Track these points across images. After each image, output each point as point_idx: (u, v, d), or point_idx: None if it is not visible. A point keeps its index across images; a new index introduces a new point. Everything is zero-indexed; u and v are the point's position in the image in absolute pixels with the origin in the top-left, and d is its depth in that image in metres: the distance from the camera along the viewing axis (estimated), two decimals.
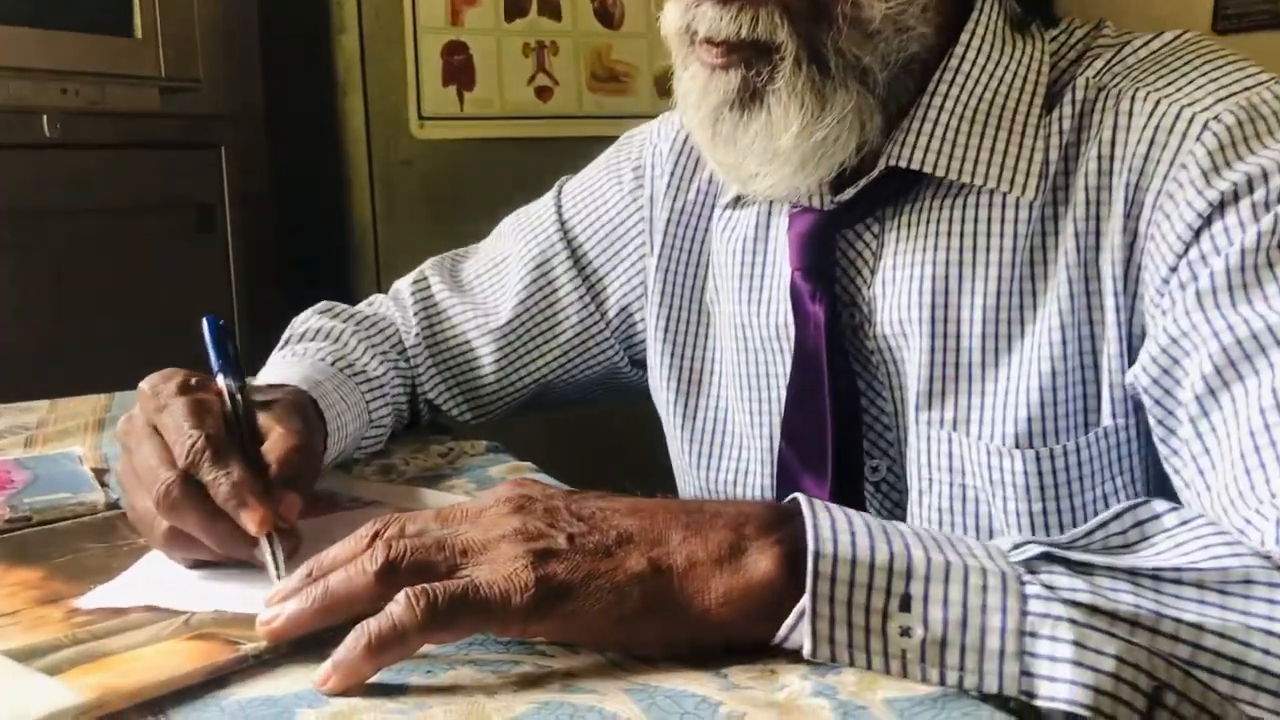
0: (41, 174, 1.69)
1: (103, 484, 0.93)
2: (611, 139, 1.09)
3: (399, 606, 0.57)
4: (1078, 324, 0.78)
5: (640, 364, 1.07)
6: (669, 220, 0.99)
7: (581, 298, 1.05)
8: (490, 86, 2.21)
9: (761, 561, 0.58)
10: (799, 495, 0.61)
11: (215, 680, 0.59)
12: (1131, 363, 0.76)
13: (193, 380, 0.78)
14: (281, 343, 1.02)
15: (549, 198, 1.09)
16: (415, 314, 1.08)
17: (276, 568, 0.70)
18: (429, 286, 1.10)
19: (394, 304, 1.10)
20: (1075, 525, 0.73)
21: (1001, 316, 0.80)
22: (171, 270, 1.78)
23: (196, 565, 0.74)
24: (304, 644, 0.61)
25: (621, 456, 1.16)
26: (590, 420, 1.77)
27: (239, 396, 0.78)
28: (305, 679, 0.59)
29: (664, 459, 1.04)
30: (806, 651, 0.55)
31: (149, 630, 0.64)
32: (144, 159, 1.78)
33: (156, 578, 0.73)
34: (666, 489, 1.04)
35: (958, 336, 0.82)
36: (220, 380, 0.79)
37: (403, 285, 1.11)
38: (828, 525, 0.57)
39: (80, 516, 0.85)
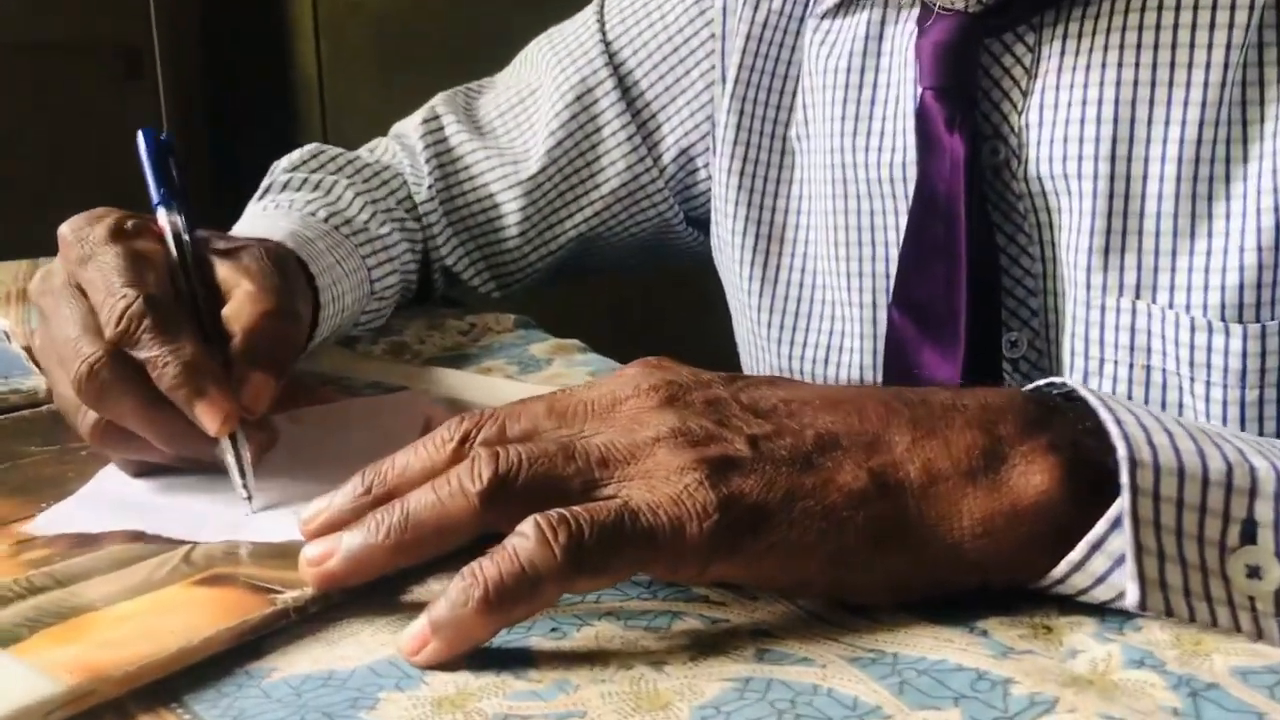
0: None
1: (36, 365, 0.74)
2: None
3: (528, 542, 0.39)
4: None
5: (697, 221, 0.89)
6: (747, 36, 0.79)
7: (630, 138, 0.85)
8: None
9: (1032, 474, 0.41)
10: (1065, 381, 0.44)
11: (245, 647, 0.41)
12: None
13: (129, 223, 0.58)
14: (259, 193, 0.82)
15: (589, 13, 0.88)
16: (428, 162, 0.88)
17: (242, 478, 0.52)
18: (442, 129, 0.89)
19: (401, 150, 0.90)
20: None
21: (1204, 155, 0.63)
22: (98, 121, 1.55)
23: (144, 471, 0.56)
24: (368, 590, 0.44)
25: (669, 336, 0.98)
26: (628, 291, 1.59)
27: (188, 239, 0.58)
28: (379, 643, 0.41)
29: (721, 339, 0.87)
30: (1132, 601, 0.39)
31: (137, 571, 0.46)
32: None
33: (133, 491, 0.54)
34: None
35: (1144, 179, 0.64)
36: (163, 217, 0.58)
37: (409, 127, 0.91)
38: (1133, 421, 0.40)
39: (16, 409, 0.66)
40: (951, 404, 0.44)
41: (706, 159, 0.85)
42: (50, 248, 0.59)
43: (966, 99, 0.67)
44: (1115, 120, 0.64)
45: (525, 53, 0.92)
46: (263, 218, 0.75)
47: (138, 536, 0.49)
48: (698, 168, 0.85)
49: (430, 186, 0.87)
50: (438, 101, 0.91)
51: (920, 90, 0.69)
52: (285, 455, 0.57)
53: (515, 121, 0.88)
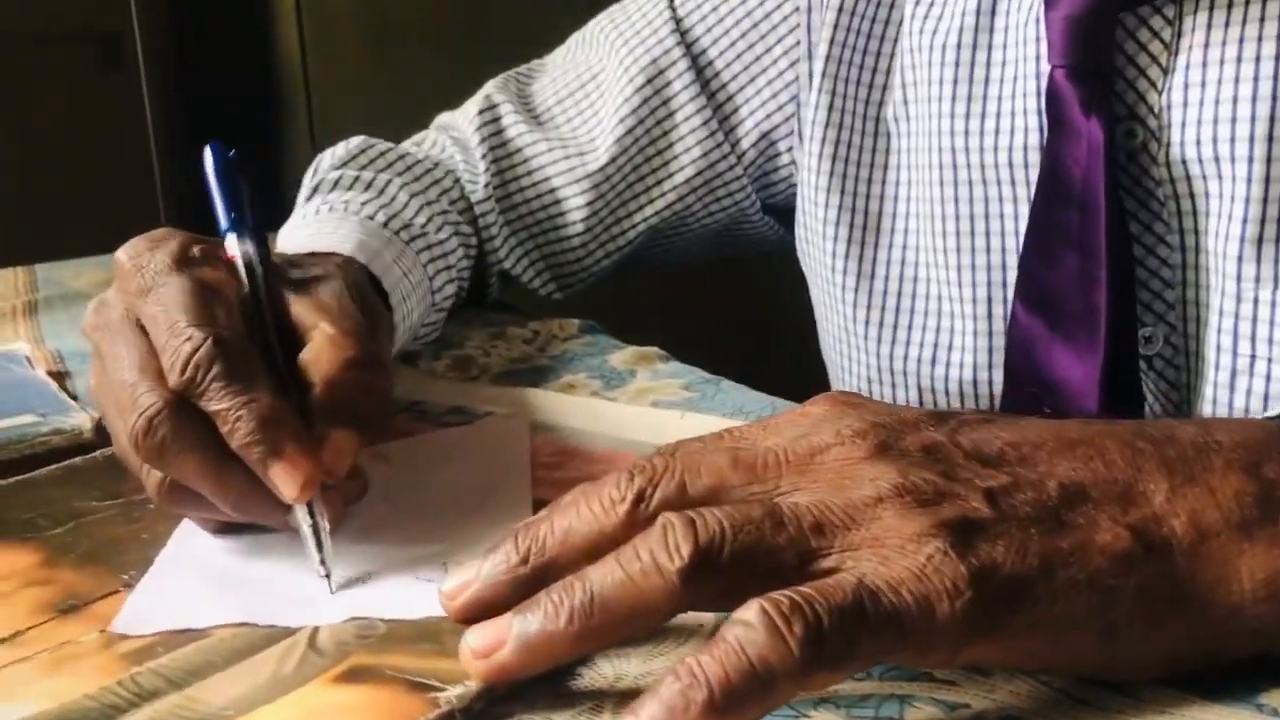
0: None
1: (70, 395, 0.67)
2: None
3: (756, 634, 0.33)
4: None
5: (774, 209, 0.82)
6: (839, 9, 0.73)
7: (706, 123, 0.79)
8: None
9: None
10: None
11: None
12: None
13: (195, 249, 0.51)
14: (307, 192, 0.75)
15: None
16: (484, 157, 0.81)
17: (320, 551, 0.45)
18: (499, 119, 0.82)
19: (453, 144, 0.82)
20: None
21: None
22: (76, 113, 1.46)
23: (223, 530, 0.49)
24: (539, 685, 0.38)
25: (742, 337, 0.92)
26: (697, 287, 1.52)
27: (261, 271, 0.51)
28: None
29: (800, 336, 0.81)
30: None
31: (260, 666, 0.40)
32: None
33: (222, 558, 0.48)
34: (815, 383, 0.81)
35: None
36: (233, 245, 0.52)
37: (461, 119, 0.83)
38: None
39: (60, 453, 0.59)
40: (1203, 442, 0.38)
41: (790, 143, 0.78)
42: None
43: (1103, 78, 0.62)
44: (1273, 97, 0.58)
45: (584, 33, 0.85)
46: (319, 223, 0.68)
47: (243, 623, 0.43)
48: (779, 152, 0.79)
49: (486, 185, 0.80)
50: (492, 89, 0.83)
51: (1049, 69, 0.63)
52: (377, 499, 0.51)
53: (577, 109, 0.81)
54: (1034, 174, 0.66)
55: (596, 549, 0.39)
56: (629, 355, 0.71)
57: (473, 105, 0.83)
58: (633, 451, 0.55)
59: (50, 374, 0.71)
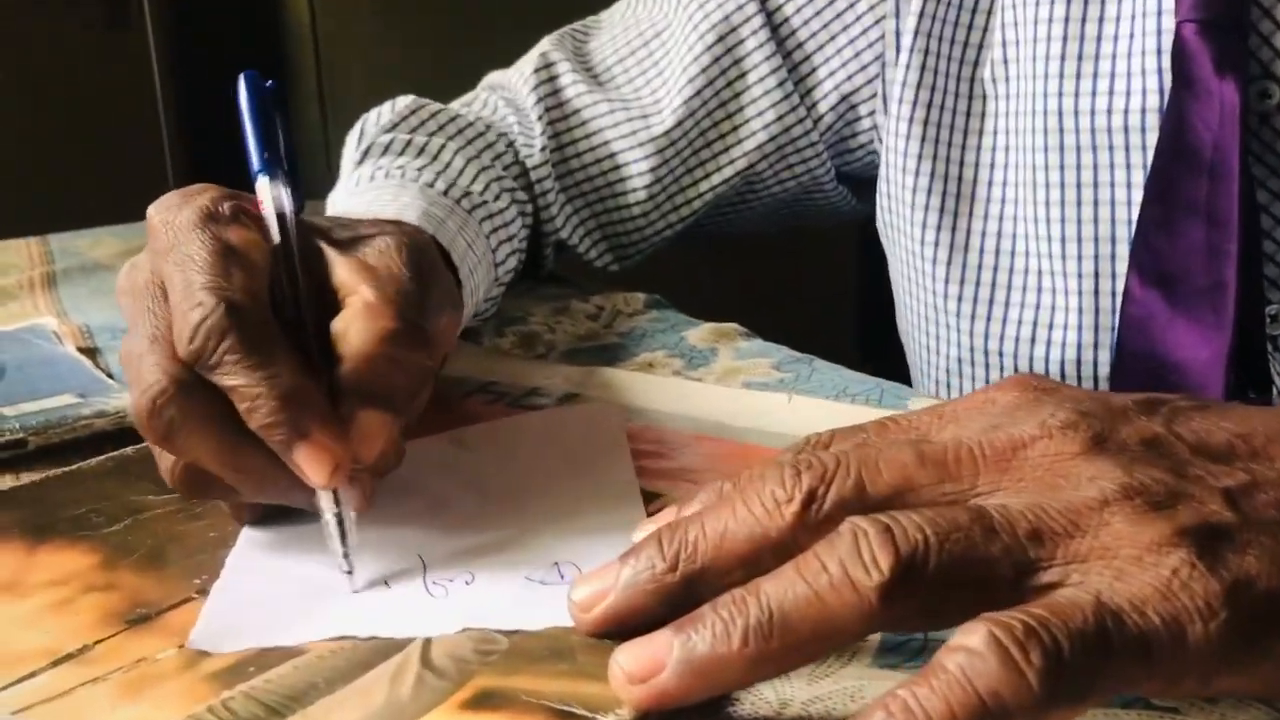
0: None
1: (105, 373, 0.62)
2: None
3: (985, 664, 0.28)
4: None
5: (849, 178, 0.77)
6: None
7: (782, 84, 0.73)
8: None
9: None
10: None
11: None
12: None
13: (224, 204, 0.45)
14: (356, 157, 0.69)
15: None
16: (540, 119, 0.75)
17: (344, 544, 0.40)
18: (556, 79, 0.76)
19: (506, 105, 0.77)
20: None
21: None
22: (79, 75, 1.40)
23: (258, 520, 0.44)
24: (692, 714, 0.33)
25: (811, 315, 0.87)
26: (760, 258, 1.46)
27: (292, 228, 0.45)
28: None
29: (876, 312, 0.76)
30: None
31: (371, 688, 0.34)
32: None
33: (300, 559, 0.43)
34: (893, 364, 0.77)
35: None
36: (264, 189, 0.45)
37: (515, 78, 0.77)
38: None
39: (105, 440, 0.54)
40: None
41: (872, 106, 0.73)
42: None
43: (1239, 34, 0.57)
44: None
45: None
46: (376, 190, 0.62)
47: (338, 637, 0.38)
48: (860, 116, 0.74)
49: (543, 149, 0.74)
50: (548, 46, 0.78)
51: (1174, 24, 0.58)
52: (455, 486, 0.46)
53: (640, 69, 0.76)
54: (1152, 138, 0.61)
55: (756, 557, 0.34)
56: (706, 332, 0.66)
57: (527, 64, 0.77)
58: (739, 440, 0.51)
59: (81, 351, 0.66)
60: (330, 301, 0.45)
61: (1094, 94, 0.63)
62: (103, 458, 0.51)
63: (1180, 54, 0.58)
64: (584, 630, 0.36)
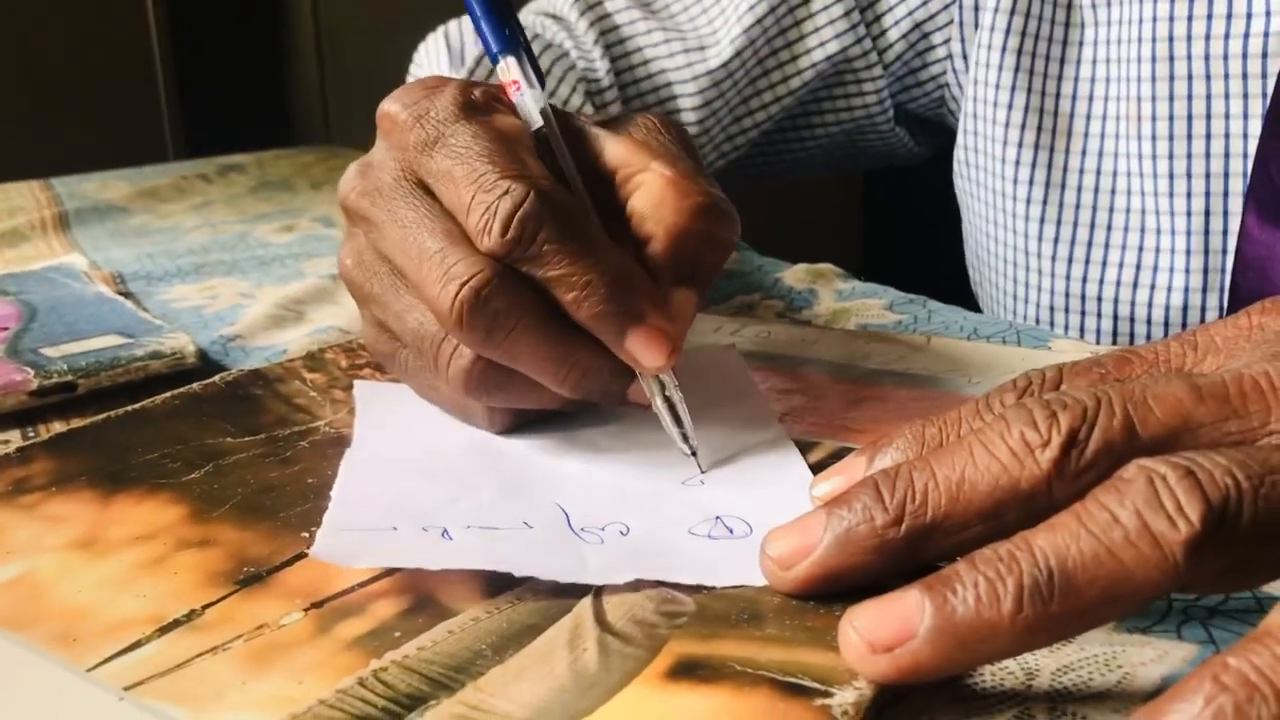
0: None
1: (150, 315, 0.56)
2: None
3: None
4: None
5: (910, 117, 0.72)
6: None
7: (848, 13, 0.68)
8: None
9: None
10: None
11: None
12: None
13: (475, 92, 0.41)
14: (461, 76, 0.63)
15: None
16: (596, 44, 0.70)
17: (680, 425, 0.39)
18: (602, 4, 0.71)
19: (559, 28, 0.71)
20: None
21: None
22: (77, 31, 1.33)
23: (510, 427, 0.41)
24: (930, 687, 0.28)
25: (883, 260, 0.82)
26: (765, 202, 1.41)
27: (549, 107, 0.41)
28: None
29: (941, 259, 0.71)
30: None
31: (547, 655, 0.29)
32: None
33: (425, 487, 0.38)
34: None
35: None
36: (513, 69, 0.42)
37: (562, 4, 0.72)
38: None
39: (164, 383, 0.48)
40: None
41: (947, 34, 0.68)
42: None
43: None
44: None
45: None
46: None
47: (494, 578, 0.32)
48: (933, 45, 0.68)
49: (608, 74, 0.69)
50: None
51: None
52: (577, 431, 0.41)
53: None
54: (1274, 65, 0.56)
55: (999, 510, 0.29)
56: (802, 273, 0.61)
57: None
58: (882, 384, 0.46)
59: (118, 292, 0.60)
60: (603, 184, 0.41)
61: (1209, 18, 0.58)
62: (168, 395, 0.45)
63: None
64: (783, 589, 0.31)
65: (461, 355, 0.39)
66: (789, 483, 0.37)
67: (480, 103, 0.41)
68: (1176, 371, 0.31)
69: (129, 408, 0.44)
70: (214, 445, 0.41)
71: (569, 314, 0.38)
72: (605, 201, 0.41)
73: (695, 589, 0.32)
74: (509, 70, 0.42)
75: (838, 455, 0.39)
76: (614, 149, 0.42)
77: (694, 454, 0.39)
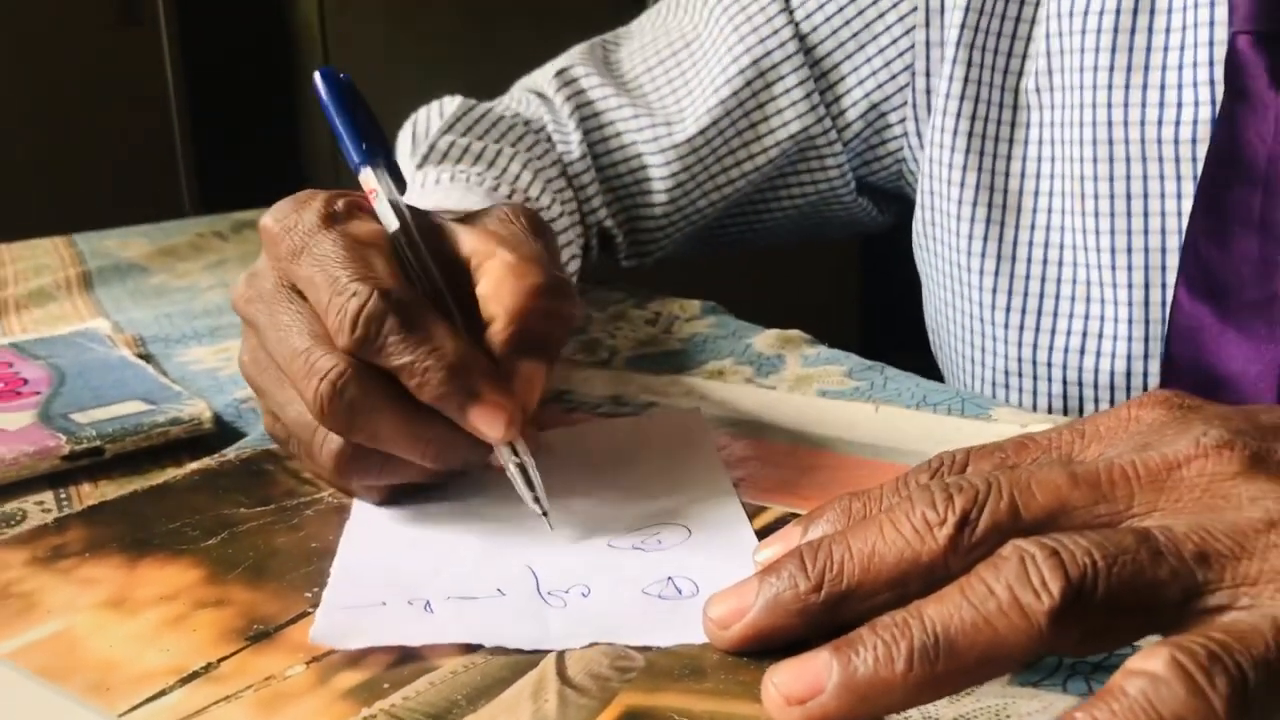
0: None
1: (168, 379, 0.61)
2: None
3: (1169, 690, 0.28)
4: None
5: (873, 189, 0.77)
6: None
7: (808, 95, 0.73)
8: None
9: None
10: None
11: None
12: None
13: (339, 203, 0.47)
14: (414, 158, 0.68)
15: None
16: (571, 117, 0.75)
17: (532, 489, 0.43)
18: (577, 81, 0.76)
19: (540, 104, 0.77)
20: None
21: None
22: (91, 75, 1.38)
23: (389, 500, 0.46)
24: None
25: (847, 324, 0.87)
26: (791, 267, 1.47)
27: (406, 209, 0.47)
28: None
29: (903, 325, 0.76)
30: None
31: (515, 707, 0.34)
32: None
33: (409, 557, 0.43)
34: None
35: None
36: (370, 178, 0.47)
37: (542, 81, 0.78)
38: None
39: (180, 447, 0.53)
40: None
41: (903, 114, 0.73)
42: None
43: None
44: None
45: None
46: (444, 191, 0.63)
47: (465, 647, 0.37)
48: (890, 124, 0.74)
49: (581, 146, 0.74)
50: (571, 55, 0.78)
51: (1227, 35, 0.59)
52: (556, 490, 0.46)
53: (667, 77, 0.76)
54: (1201, 150, 0.61)
55: (904, 579, 0.34)
56: (771, 339, 0.66)
57: (551, 68, 0.78)
58: (834, 451, 0.50)
59: (138, 355, 0.65)
60: (458, 272, 0.46)
61: (1143, 105, 0.63)
62: (188, 470, 0.50)
63: (1234, 65, 0.58)
64: (722, 647, 0.36)
65: (331, 441, 0.44)
66: (736, 546, 0.42)
67: (341, 212, 0.46)
68: (1061, 459, 0.36)
69: (154, 483, 0.49)
70: (229, 515, 0.46)
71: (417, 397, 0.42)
72: (463, 288, 0.46)
73: (645, 647, 0.36)
74: (368, 180, 0.47)
75: (784, 519, 0.44)
76: (467, 240, 0.47)
77: (545, 514, 0.43)
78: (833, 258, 1.90)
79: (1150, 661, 0.28)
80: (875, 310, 1.92)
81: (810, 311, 1.73)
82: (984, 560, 0.32)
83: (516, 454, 0.43)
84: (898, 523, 0.34)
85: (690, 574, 0.41)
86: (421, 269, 0.45)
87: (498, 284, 0.45)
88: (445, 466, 0.44)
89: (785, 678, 0.32)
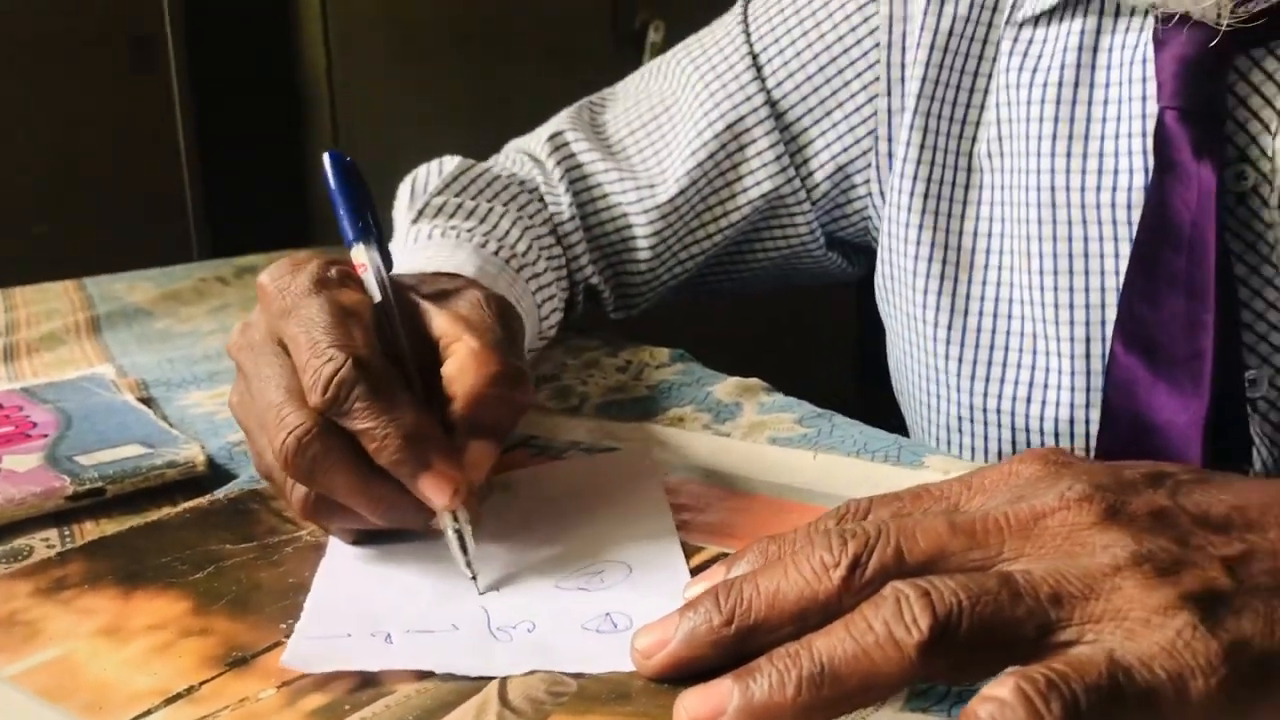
0: None
1: (167, 423, 0.66)
2: None
3: (1014, 713, 0.32)
4: None
5: (843, 243, 0.82)
6: (931, 46, 0.72)
7: (779, 158, 0.78)
8: None
9: None
10: None
11: None
12: None
13: (332, 270, 0.52)
14: (409, 214, 0.74)
15: (732, 21, 0.81)
16: (561, 180, 0.81)
17: (465, 554, 0.47)
18: (568, 145, 0.82)
19: (533, 165, 0.82)
20: None
21: None
22: (106, 119, 1.44)
23: (361, 540, 0.51)
24: None
25: (808, 369, 0.91)
26: (760, 315, 1.52)
27: (390, 287, 0.52)
28: None
29: (868, 375, 0.81)
30: None
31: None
32: None
33: (376, 597, 0.47)
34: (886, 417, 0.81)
35: None
36: (360, 254, 0.53)
37: (534, 144, 0.83)
38: None
39: (176, 489, 0.58)
40: None
41: (867, 175, 0.78)
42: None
43: (1216, 121, 0.61)
44: None
45: (660, 63, 0.84)
46: (435, 247, 0.68)
47: (421, 674, 0.42)
48: (854, 184, 0.78)
49: (571, 207, 0.79)
50: (561, 119, 0.84)
51: (1157, 110, 0.63)
52: (514, 528, 0.51)
53: (648, 140, 0.81)
54: (1136, 215, 0.65)
55: (805, 614, 0.38)
56: (731, 387, 0.70)
57: (543, 131, 0.83)
58: (770, 495, 0.55)
59: (140, 399, 0.70)
60: (429, 348, 0.51)
61: (1083, 172, 0.67)
62: (180, 509, 0.55)
63: (1162, 139, 0.62)
64: (646, 674, 0.40)
65: (299, 487, 0.48)
66: (671, 584, 0.46)
67: (333, 279, 0.51)
68: (948, 509, 0.40)
69: (149, 519, 0.54)
70: (216, 550, 0.51)
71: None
72: (431, 364, 0.51)
73: (579, 674, 0.41)
74: (359, 255, 0.53)
75: (718, 558, 0.48)
76: (439, 321, 0.52)
77: (474, 578, 0.47)
78: (829, 307, 1.95)
79: (999, 689, 0.32)
80: (874, 327, 1.96)
81: (815, 328, 1.77)
82: (869, 599, 0.36)
83: (456, 520, 0.47)
84: (799, 565, 0.38)
85: (627, 609, 0.45)
86: (395, 343, 0.50)
87: (460, 367, 0.50)
88: (391, 525, 0.49)
89: (693, 701, 0.36)
